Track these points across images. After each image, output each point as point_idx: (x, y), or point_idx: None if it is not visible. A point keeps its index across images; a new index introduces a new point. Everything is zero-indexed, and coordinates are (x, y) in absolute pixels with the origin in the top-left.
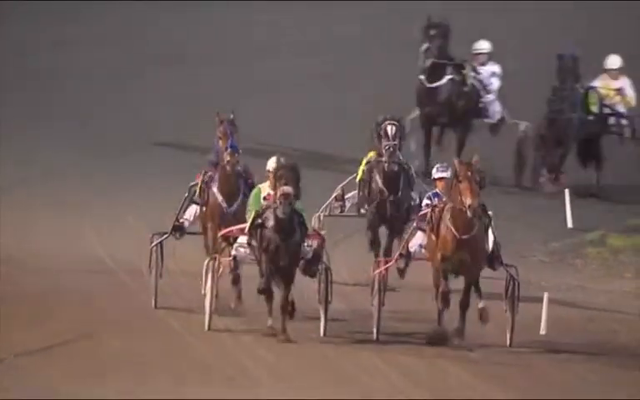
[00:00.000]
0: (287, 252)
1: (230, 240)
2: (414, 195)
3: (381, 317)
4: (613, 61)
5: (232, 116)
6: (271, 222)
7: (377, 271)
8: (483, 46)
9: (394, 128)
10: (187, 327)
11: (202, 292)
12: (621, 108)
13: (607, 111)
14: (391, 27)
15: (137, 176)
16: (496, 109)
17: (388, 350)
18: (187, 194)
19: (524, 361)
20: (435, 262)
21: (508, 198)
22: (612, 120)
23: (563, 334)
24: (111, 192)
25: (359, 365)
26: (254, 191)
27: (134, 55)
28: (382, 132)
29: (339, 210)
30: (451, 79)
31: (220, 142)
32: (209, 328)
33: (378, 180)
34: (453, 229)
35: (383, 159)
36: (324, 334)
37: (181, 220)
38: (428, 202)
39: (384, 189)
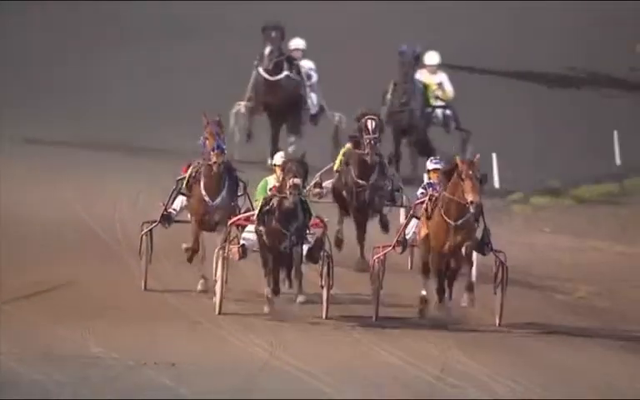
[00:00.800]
0: (292, 235)
1: (238, 229)
2: (387, 183)
3: (379, 300)
4: (432, 57)
5: (218, 117)
6: (277, 210)
7: (376, 256)
8: (299, 43)
9: (374, 123)
10: (161, 280)
11: (214, 278)
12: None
13: (438, 103)
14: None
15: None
16: (314, 102)
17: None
18: (174, 187)
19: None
20: (425, 244)
21: None
22: (438, 112)
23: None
24: (91, 162)
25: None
26: (261, 182)
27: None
28: (362, 126)
29: (318, 197)
30: (287, 75)
31: (207, 142)
32: (219, 313)
33: (352, 170)
34: (446, 218)
35: (365, 151)
36: (326, 317)
37: (169, 210)
38: (423, 191)
39: (359, 180)
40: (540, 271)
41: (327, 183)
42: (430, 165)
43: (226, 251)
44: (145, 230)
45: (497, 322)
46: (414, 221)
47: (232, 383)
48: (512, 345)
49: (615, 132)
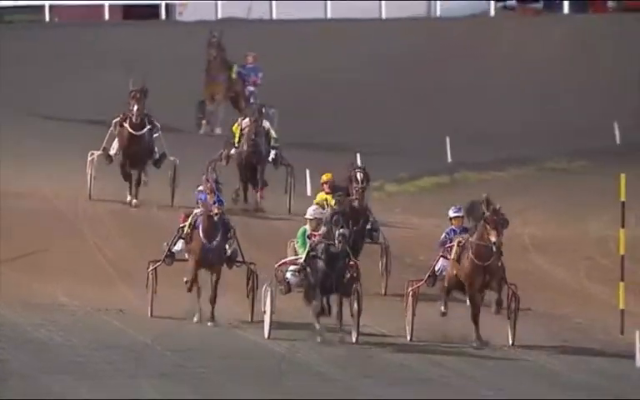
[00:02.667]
0: (335, 276)
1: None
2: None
3: (414, 323)
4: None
5: (215, 176)
6: (324, 255)
7: (411, 289)
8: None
9: (361, 174)
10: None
11: (262, 309)
12: None
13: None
14: None
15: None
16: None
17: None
18: (176, 233)
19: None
20: (453, 281)
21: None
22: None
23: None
24: (59, 144)
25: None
26: (300, 230)
27: None
28: (352, 177)
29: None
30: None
31: (208, 196)
32: (269, 337)
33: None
34: (475, 259)
35: (354, 197)
36: (356, 341)
37: (172, 250)
38: (445, 236)
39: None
40: (392, 241)
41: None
42: (451, 213)
43: (273, 286)
44: (151, 267)
45: (511, 341)
46: (441, 259)
47: (166, 327)
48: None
49: (447, 138)
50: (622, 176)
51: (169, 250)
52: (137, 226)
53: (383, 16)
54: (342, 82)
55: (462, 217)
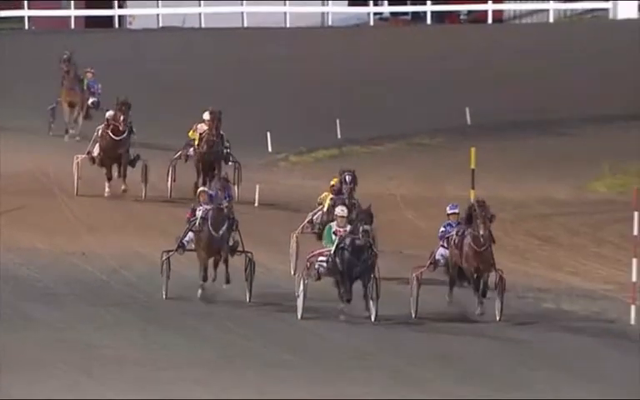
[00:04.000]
0: (360, 265)
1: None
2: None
3: (418, 304)
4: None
5: (226, 174)
6: (350, 247)
7: (415, 273)
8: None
9: (350, 177)
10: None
11: (296, 294)
12: None
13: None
14: None
15: None
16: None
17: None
18: (187, 225)
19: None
20: (453, 268)
21: None
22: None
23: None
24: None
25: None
26: (326, 228)
27: None
28: (342, 179)
29: (310, 230)
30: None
31: (219, 192)
32: (301, 318)
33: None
34: (474, 245)
35: (345, 196)
36: (375, 320)
37: (184, 241)
38: (444, 229)
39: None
40: (294, 200)
41: (317, 217)
42: (449, 210)
43: (305, 274)
44: (165, 256)
45: (498, 317)
46: (441, 249)
47: (120, 265)
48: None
49: (337, 120)
50: (472, 149)
51: (181, 241)
52: (98, 188)
53: (288, 25)
54: (261, 76)
55: (458, 213)
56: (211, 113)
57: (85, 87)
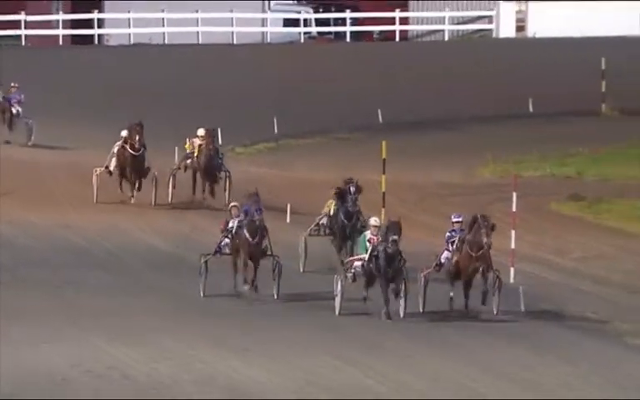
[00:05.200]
0: (391, 270)
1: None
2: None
3: (426, 300)
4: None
5: (256, 190)
6: (383, 254)
7: (422, 273)
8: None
9: (354, 187)
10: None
11: (334, 293)
12: None
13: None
14: None
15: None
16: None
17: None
18: (223, 233)
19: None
20: (455, 267)
21: None
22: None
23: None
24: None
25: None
26: (361, 236)
27: None
28: (348, 189)
29: (317, 233)
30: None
31: (252, 205)
32: (339, 314)
33: (341, 216)
34: (470, 251)
35: (349, 204)
36: (404, 316)
37: (221, 245)
38: (449, 234)
39: (344, 221)
40: (263, 186)
41: (323, 221)
42: (453, 218)
43: (341, 276)
44: (203, 259)
45: (495, 312)
46: (445, 252)
47: (99, 235)
48: None
49: (275, 118)
50: (383, 142)
51: (218, 246)
52: (84, 177)
53: (235, 42)
54: (213, 82)
55: (462, 221)
56: (206, 131)
57: (1, 99)
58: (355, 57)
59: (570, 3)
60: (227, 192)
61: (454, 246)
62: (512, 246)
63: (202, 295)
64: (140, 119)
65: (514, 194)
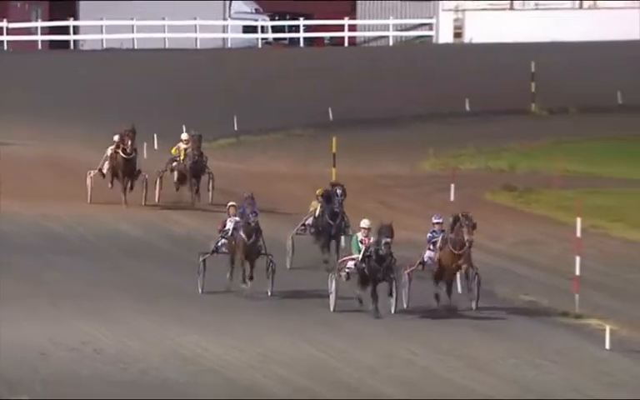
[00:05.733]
0: (382, 270)
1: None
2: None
3: (409, 296)
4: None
5: (251, 193)
6: (375, 256)
7: (406, 271)
8: None
9: (340, 189)
10: None
11: (329, 291)
12: None
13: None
14: None
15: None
16: None
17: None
18: (220, 234)
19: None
20: (439, 264)
21: None
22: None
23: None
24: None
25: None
26: (353, 238)
27: None
28: (334, 191)
29: (303, 232)
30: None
31: (247, 209)
32: (334, 310)
33: (327, 217)
34: (452, 249)
35: (335, 205)
36: (395, 312)
37: (217, 245)
38: (430, 235)
39: (330, 221)
40: (225, 179)
41: (309, 222)
42: (434, 220)
43: (335, 274)
44: (201, 258)
45: (474, 307)
46: (428, 251)
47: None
48: None
49: (235, 116)
50: (334, 138)
51: (215, 246)
52: (62, 170)
53: (199, 47)
54: (179, 83)
55: (442, 222)
56: (192, 136)
57: None
58: (308, 61)
59: (503, 12)
60: (210, 191)
61: (437, 245)
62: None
63: (200, 292)
64: (130, 122)
65: (452, 185)
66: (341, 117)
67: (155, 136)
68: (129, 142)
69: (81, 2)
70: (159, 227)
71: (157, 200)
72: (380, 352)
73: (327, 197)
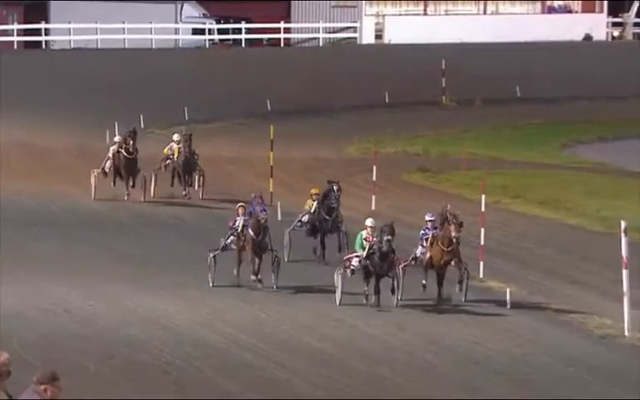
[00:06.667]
0: (385, 266)
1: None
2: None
3: (402, 291)
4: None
5: (260, 194)
6: (378, 253)
7: (400, 266)
8: None
9: (337, 187)
10: None
11: (335, 286)
12: None
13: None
14: None
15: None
16: None
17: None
18: (229, 231)
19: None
20: (429, 261)
21: None
22: None
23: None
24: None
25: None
26: (357, 236)
27: None
28: (331, 188)
29: (300, 227)
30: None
31: (257, 207)
32: (339, 304)
33: (323, 212)
34: (441, 245)
35: (332, 201)
36: (396, 305)
37: (227, 242)
38: (423, 232)
39: (326, 216)
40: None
41: (304, 218)
42: (427, 217)
43: (341, 271)
44: (211, 255)
45: (463, 299)
46: (420, 247)
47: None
48: None
49: (186, 108)
50: (271, 126)
51: (225, 242)
52: (36, 153)
53: (154, 46)
54: (137, 76)
55: (434, 219)
56: (183, 136)
57: None
58: (249, 59)
59: (417, 17)
60: (201, 187)
61: (428, 241)
62: (373, 207)
63: (211, 285)
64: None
65: (374, 167)
66: (278, 108)
67: (116, 123)
68: (131, 143)
69: (52, 7)
70: (122, 205)
71: (152, 195)
72: (315, 312)
73: (325, 195)
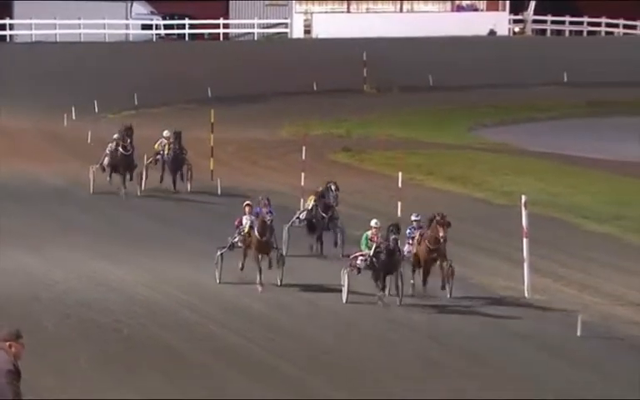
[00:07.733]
0: (392, 263)
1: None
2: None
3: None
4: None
5: (267, 197)
6: (385, 251)
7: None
8: None
9: (334, 186)
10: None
11: (342, 284)
12: None
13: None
14: None
15: None
16: None
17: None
18: (236, 231)
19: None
20: (416, 258)
21: None
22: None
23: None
24: None
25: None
26: (363, 235)
27: None
28: (329, 187)
29: (299, 224)
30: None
31: (263, 209)
32: (346, 302)
33: (320, 210)
34: (429, 244)
35: (330, 199)
36: (400, 304)
37: (234, 241)
38: (409, 231)
39: (324, 214)
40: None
41: (302, 216)
42: (413, 217)
43: (347, 269)
44: (219, 252)
45: (449, 295)
46: (407, 246)
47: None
48: None
49: (135, 94)
50: (212, 111)
51: (232, 242)
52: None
53: (107, 40)
54: (92, 68)
55: (419, 219)
56: (174, 133)
57: None
58: (192, 52)
59: (342, 14)
60: (189, 181)
61: (415, 240)
62: (302, 183)
63: (218, 282)
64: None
65: (304, 147)
66: (217, 94)
67: (73, 108)
68: (128, 141)
69: (15, 5)
70: (79, 178)
71: (143, 188)
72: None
73: (322, 193)
